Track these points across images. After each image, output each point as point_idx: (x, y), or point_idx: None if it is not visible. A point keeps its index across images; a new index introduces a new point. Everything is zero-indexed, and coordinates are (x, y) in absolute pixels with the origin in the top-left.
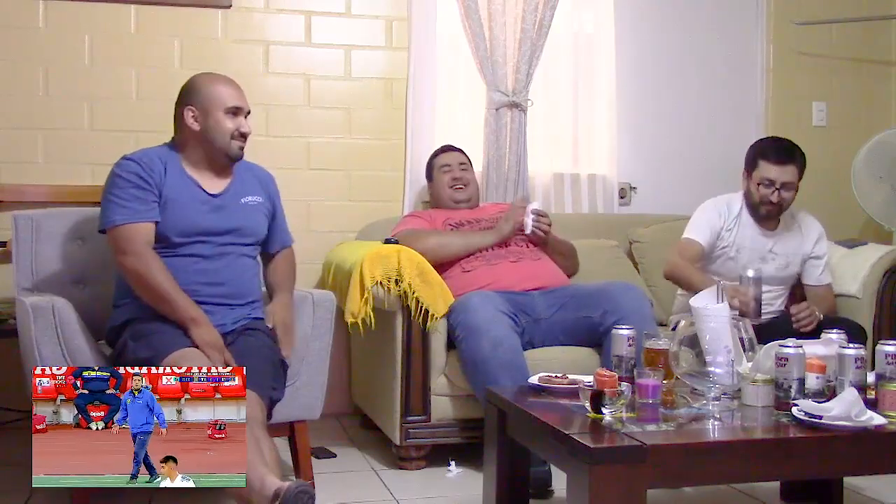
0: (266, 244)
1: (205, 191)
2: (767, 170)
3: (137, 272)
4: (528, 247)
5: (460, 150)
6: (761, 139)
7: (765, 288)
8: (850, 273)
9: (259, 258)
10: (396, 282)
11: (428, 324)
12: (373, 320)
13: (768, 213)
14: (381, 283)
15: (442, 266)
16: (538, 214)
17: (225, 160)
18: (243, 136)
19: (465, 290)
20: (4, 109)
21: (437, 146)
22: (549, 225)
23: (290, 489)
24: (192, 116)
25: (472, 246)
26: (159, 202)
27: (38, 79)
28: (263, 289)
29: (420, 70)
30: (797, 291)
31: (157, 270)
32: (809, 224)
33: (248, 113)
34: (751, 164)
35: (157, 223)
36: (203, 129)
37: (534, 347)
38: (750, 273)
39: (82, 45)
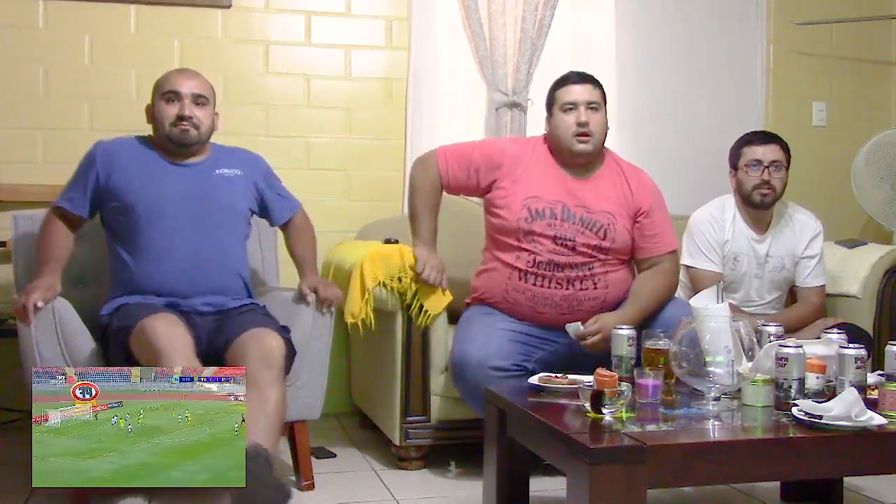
0: (270, 217)
1: (172, 162)
2: (753, 152)
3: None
4: (594, 287)
5: (592, 81)
6: (740, 136)
7: (763, 297)
8: (850, 273)
9: (248, 255)
10: (399, 279)
11: (420, 319)
12: (373, 321)
13: (763, 199)
14: (383, 283)
15: (493, 255)
16: (579, 339)
17: (174, 147)
18: (182, 120)
19: (499, 298)
20: (4, 109)
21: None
22: (601, 338)
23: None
24: (150, 112)
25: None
26: (107, 189)
27: (38, 79)
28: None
29: (420, 70)
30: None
31: (44, 235)
32: (804, 223)
33: (200, 98)
34: (735, 157)
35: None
36: (152, 122)
37: (573, 368)
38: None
39: (82, 45)
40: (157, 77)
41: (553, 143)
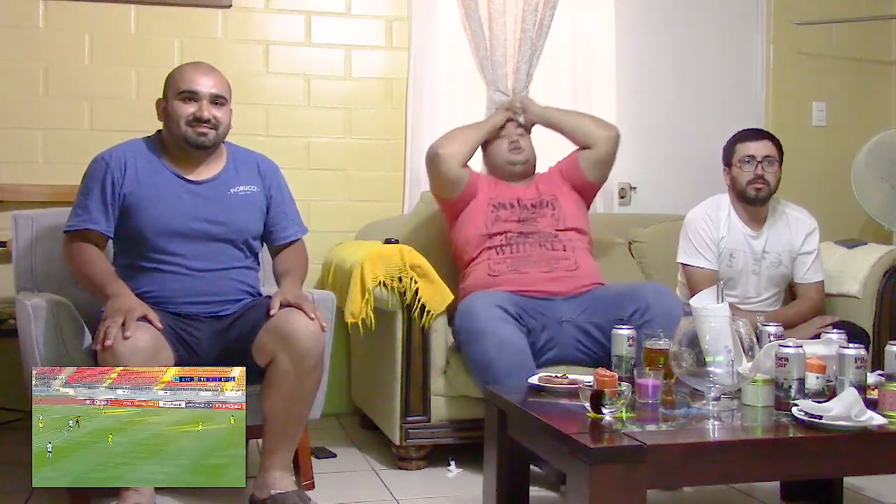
0: (269, 237)
1: (184, 178)
2: (745, 148)
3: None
4: (564, 250)
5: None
6: (732, 134)
7: (761, 294)
8: (850, 273)
9: (257, 271)
10: (399, 279)
11: (423, 319)
12: (373, 321)
13: (758, 194)
14: (383, 282)
15: (469, 262)
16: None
17: (188, 148)
18: (199, 121)
19: (485, 279)
20: (4, 109)
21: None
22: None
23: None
24: (161, 108)
25: (484, 131)
26: (121, 203)
27: (38, 79)
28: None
29: (420, 70)
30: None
31: (85, 261)
32: (798, 219)
33: (219, 98)
34: (728, 154)
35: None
36: (165, 119)
37: (553, 350)
38: None
39: (82, 45)
40: (158, 76)
41: (492, 166)
